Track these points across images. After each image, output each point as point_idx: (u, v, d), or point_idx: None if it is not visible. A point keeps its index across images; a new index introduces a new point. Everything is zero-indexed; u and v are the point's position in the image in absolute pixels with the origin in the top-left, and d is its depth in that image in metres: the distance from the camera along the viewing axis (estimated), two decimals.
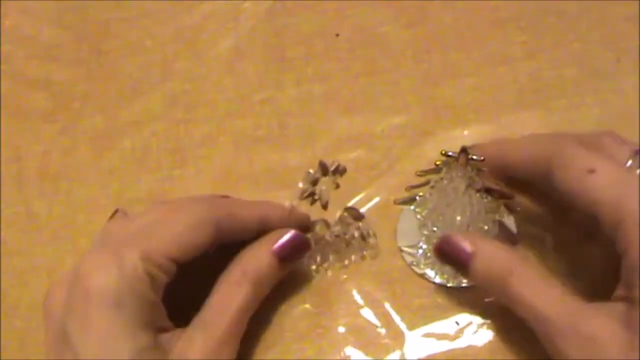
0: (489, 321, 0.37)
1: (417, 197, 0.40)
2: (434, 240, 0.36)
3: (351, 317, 0.38)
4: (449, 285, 0.37)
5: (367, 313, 0.38)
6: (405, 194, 0.40)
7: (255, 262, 0.35)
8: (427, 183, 0.39)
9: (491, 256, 0.33)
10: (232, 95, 0.48)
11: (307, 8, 0.51)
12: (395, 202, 0.40)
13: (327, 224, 0.38)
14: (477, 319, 0.37)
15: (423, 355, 0.36)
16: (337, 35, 0.50)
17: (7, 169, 0.46)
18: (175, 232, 0.32)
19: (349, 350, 0.37)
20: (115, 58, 0.51)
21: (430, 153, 0.42)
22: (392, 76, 0.47)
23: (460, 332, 0.36)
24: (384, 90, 0.46)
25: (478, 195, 0.37)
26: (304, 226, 0.38)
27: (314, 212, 0.38)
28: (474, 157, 0.36)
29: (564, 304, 0.30)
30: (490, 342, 0.36)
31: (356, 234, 0.38)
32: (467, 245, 0.33)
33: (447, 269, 0.37)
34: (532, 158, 0.34)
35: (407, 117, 0.45)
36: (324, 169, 0.36)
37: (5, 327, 0.40)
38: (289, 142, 0.45)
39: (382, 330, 0.37)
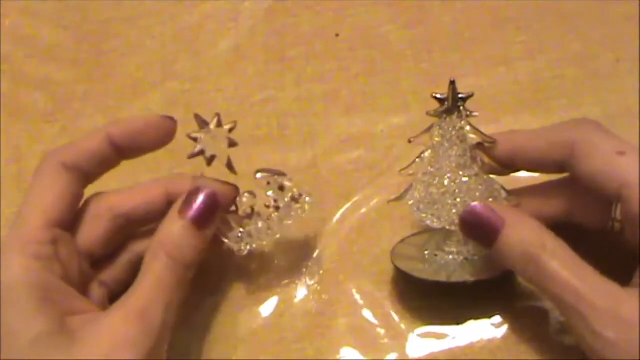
0: (489, 321, 0.37)
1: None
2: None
3: (351, 317, 0.38)
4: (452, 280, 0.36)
5: (367, 313, 0.38)
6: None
7: (167, 230, 0.32)
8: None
9: (525, 227, 0.32)
10: (232, 95, 0.48)
11: (307, 8, 0.51)
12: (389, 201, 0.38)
13: (253, 195, 0.36)
14: (477, 319, 0.37)
15: (423, 355, 0.36)
16: (337, 35, 0.50)
17: (7, 169, 0.46)
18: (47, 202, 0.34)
19: (349, 350, 0.37)
20: (115, 58, 0.51)
21: None
22: (392, 76, 0.47)
23: (460, 332, 0.36)
24: (384, 90, 0.46)
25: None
26: (232, 198, 0.36)
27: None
28: (462, 95, 0.34)
29: (601, 284, 0.30)
30: (490, 342, 0.36)
31: (287, 198, 0.35)
32: (499, 214, 0.32)
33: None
34: (551, 143, 0.33)
35: (407, 117, 0.45)
36: (202, 122, 0.36)
37: None
38: (289, 142, 0.45)
39: (382, 330, 0.37)
